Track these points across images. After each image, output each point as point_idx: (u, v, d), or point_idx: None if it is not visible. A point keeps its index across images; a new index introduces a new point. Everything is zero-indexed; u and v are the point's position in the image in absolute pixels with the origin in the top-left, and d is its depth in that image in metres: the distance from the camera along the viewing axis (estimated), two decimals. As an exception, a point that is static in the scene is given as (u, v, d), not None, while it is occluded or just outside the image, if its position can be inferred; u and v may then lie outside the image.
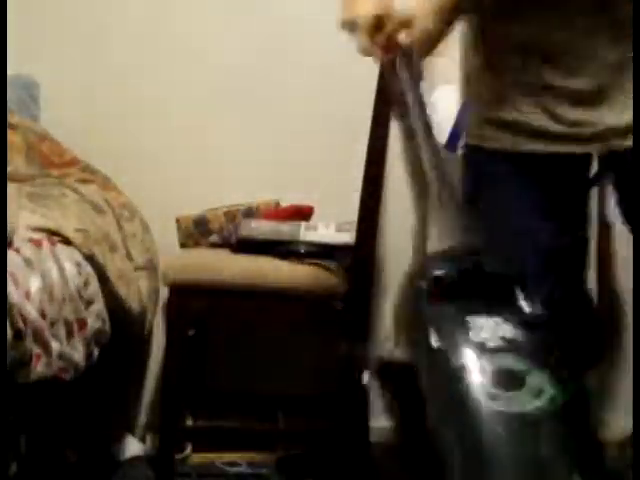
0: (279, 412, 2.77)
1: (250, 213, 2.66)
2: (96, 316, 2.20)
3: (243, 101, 2.87)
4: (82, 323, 2.10)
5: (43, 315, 1.87)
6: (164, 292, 2.59)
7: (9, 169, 2.47)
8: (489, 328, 1.10)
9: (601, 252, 2.65)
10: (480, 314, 1.13)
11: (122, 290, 2.35)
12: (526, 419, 1.03)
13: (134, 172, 2.82)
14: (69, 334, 2.02)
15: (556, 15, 1.60)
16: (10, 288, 1.74)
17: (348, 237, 2.47)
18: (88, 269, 2.20)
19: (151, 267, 2.65)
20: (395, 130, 2.47)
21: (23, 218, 2.07)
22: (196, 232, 2.68)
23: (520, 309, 1.16)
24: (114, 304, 2.32)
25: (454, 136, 2.18)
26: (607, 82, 1.61)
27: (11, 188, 2.21)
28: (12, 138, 2.62)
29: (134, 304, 2.44)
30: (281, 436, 2.73)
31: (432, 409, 1.08)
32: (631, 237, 1.69)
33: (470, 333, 1.10)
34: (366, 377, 1.19)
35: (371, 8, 1.48)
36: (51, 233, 2.11)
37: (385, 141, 2.40)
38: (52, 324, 1.92)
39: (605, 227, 2.61)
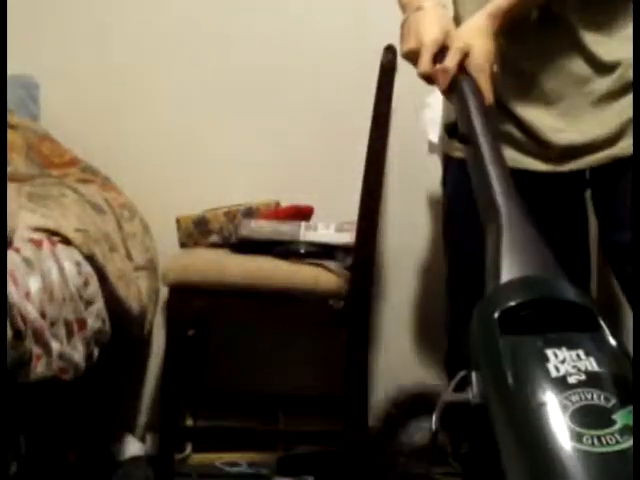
0: (279, 412, 2.77)
1: (250, 213, 2.66)
2: (96, 316, 2.20)
3: (243, 101, 2.87)
4: (82, 323, 2.10)
5: (43, 315, 1.87)
6: (164, 292, 2.59)
7: (9, 169, 2.47)
8: (570, 361, 1.02)
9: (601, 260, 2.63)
10: (559, 346, 1.03)
11: (122, 290, 2.35)
12: (614, 460, 0.94)
13: (134, 172, 2.82)
14: (69, 334, 2.02)
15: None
16: (10, 288, 1.74)
17: (348, 237, 2.46)
18: (88, 269, 2.20)
19: (151, 267, 2.65)
20: (395, 130, 2.47)
21: (23, 218, 2.07)
22: (196, 232, 2.68)
23: (603, 339, 1.07)
24: (114, 304, 2.32)
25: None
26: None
27: (11, 188, 2.21)
28: (12, 138, 2.62)
29: (134, 304, 2.44)
30: (281, 436, 2.73)
31: (506, 450, 0.99)
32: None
33: (549, 368, 1.01)
34: (434, 421, 1.06)
35: (437, 33, 1.50)
36: (51, 233, 2.11)
37: (385, 141, 2.40)
38: (52, 324, 1.92)
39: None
